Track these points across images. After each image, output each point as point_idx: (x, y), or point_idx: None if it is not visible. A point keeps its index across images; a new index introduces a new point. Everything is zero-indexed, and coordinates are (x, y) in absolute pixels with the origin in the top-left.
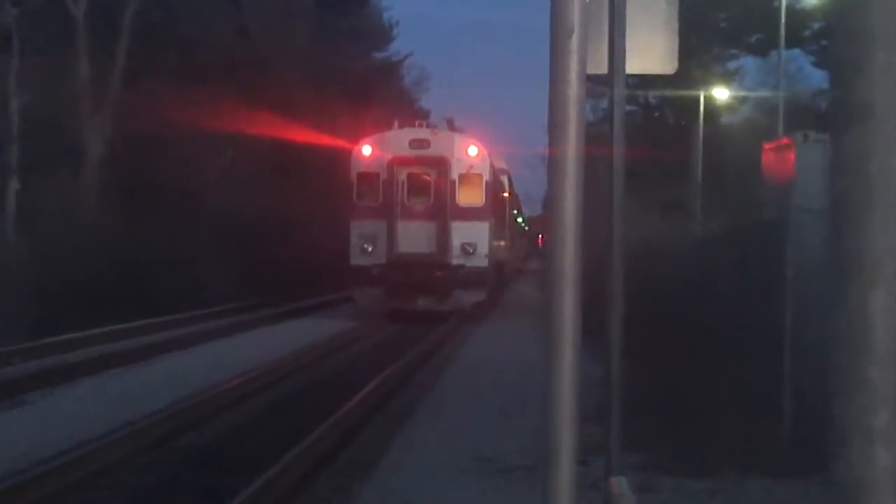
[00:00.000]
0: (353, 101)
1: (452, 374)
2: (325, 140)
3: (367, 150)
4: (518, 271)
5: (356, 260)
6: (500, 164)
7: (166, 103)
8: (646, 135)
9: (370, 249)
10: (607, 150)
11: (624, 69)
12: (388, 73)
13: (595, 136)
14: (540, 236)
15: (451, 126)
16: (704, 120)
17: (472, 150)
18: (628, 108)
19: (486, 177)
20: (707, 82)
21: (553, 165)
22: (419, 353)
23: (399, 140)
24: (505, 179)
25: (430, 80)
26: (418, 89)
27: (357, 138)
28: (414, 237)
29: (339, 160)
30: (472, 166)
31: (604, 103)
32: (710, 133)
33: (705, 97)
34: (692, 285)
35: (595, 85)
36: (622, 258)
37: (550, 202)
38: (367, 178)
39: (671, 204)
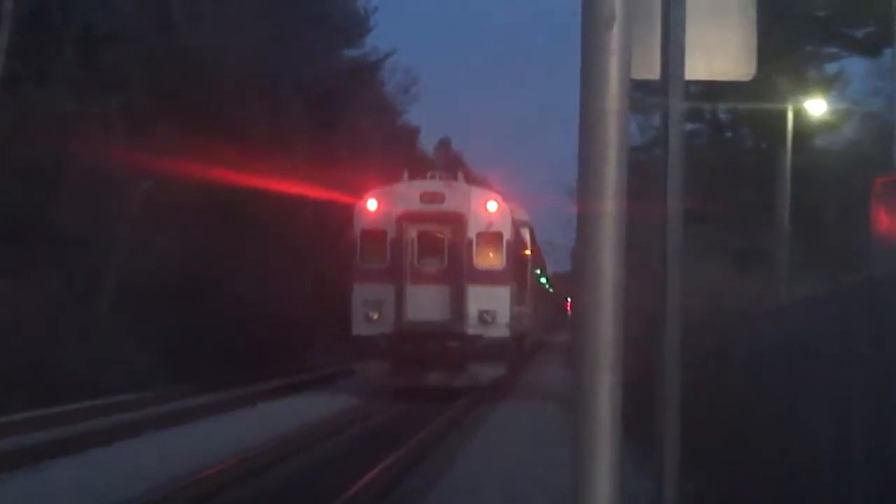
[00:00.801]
0: (317, 116)
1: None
2: (278, 179)
3: (372, 204)
4: (541, 344)
5: (359, 329)
6: (521, 216)
7: (62, 118)
8: (713, 163)
9: (375, 317)
10: (658, 184)
11: (683, 73)
12: (364, 76)
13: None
14: (568, 300)
15: (468, 178)
16: (794, 143)
17: (492, 206)
18: (690, 126)
19: (508, 235)
20: (797, 92)
21: (585, 207)
22: (408, 457)
23: (409, 193)
24: (526, 233)
25: (417, 85)
26: (404, 98)
27: (323, 168)
28: (425, 303)
29: (300, 205)
30: (491, 223)
31: (656, 120)
32: (801, 161)
33: (795, 112)
34: (777, 368)
35: (643, 95)
36: (679, 331)
37: (581, 258)
38: (373, 236)
39: (748, 256)
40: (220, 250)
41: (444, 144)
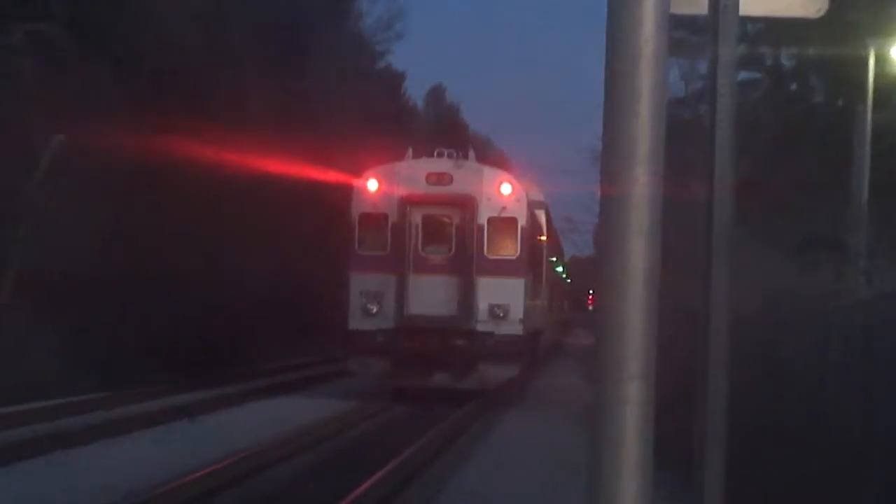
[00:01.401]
0: (274, 56)
1: None
2: (227, 139)
3: (372, 184)
4: (556, 346)
5: (356, 323)
6: (535, 196)
7: None
8: (773, 123)
9: (374, 310)
10: (703, 149)
11: (737, 9)
12: (335, 5)
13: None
14: (590, 293)
15: (481, 156)
16: (875, 98)
17: (506, 188)
18: (744, 75)
19: (523, 221)
20: (881, 33)
21: (611, 177)
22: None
23: (413, 173)
24: (542, 216)
25: (402, 20)
26: (385, 36)
27: (283, 125)
28: (430, 296)
29: (255, 173)
30: (504, 208)
31: (702, 67)
32: (883, 121)
33: (877, 59)
34: (853, 379)
35: (687, 35)
36: (727, 333)
37: (606, 243)
38: (373, 220)
39: (816, 242)
40: (153, 228)
41: (436, 94)
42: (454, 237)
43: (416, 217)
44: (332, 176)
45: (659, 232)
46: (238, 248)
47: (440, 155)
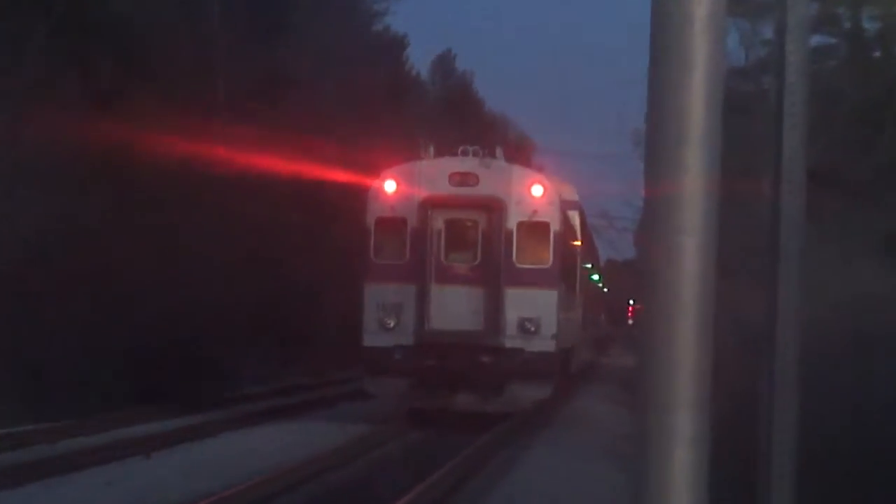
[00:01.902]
0: (246, 20)
1: None
2: (190, 118)
3: (390, 186)
4: (590, 365)
5: (372, 339)
6: (569, 195)
7: None
8: (853, 97)
9: (392, 325)
10: (768, 128)
11: None
12: None
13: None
14: (631, 304)
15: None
16: None
17: (537, 189)
18: (817, 40)
19: (556, 226)
20: None
21: (657, 162)
22: None
23: (435, 173)
24: (575, 217)
25: None
26: None
27: (259, 102)
28: (453, 308)
29: (227, 162)
30: (536, 211)
31: (767, 30)
32: None
33: None
34: None
35: None
36: (797, 353)
37: (650, 244)
38: (391, 225)
39: None
40: (98, 226)
41: (444, 62)
42: (480, 244)
43: (439, 222)
44: (322, 165)
45: (715, 230)
46: (211, 246)
47: (465, 153)
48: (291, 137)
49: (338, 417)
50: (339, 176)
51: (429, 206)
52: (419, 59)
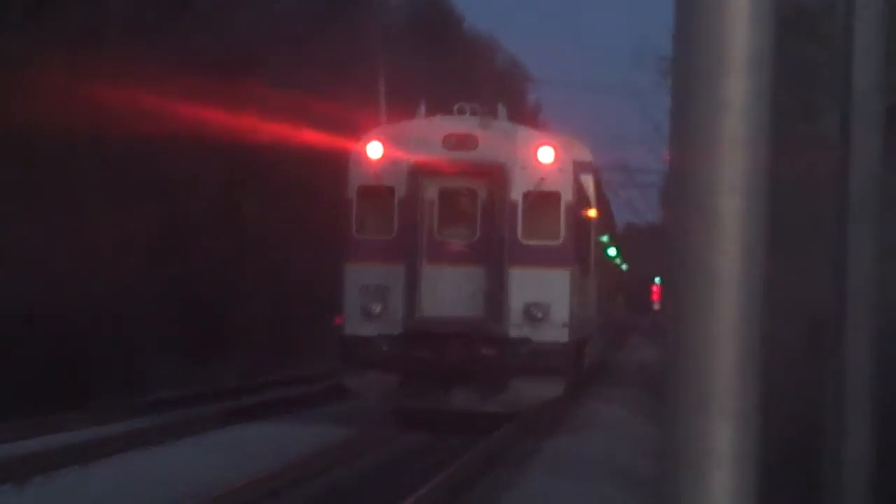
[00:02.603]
0: None
1: None
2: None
3: (375, 149)
4: (605, 361)
5: (354, 328)
6: (581, 155)
7: None
8: None
9: (378, 310)
10: (834, 84)
11: None
12: None
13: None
14: (656, 284)
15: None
16: None
17: (546, 154)
18: None
19: (567, 196)
20: None
21: (687, 97)
22: None
23: (427, 134)
24: (589, 183)
25: None
26: None
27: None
28: (449, 292)
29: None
30: (544, 179)
31: None
32: None
33: None
34: None
35: None
36: (872, 351)
37: (680, 205)
38: (375, 195)
39: None
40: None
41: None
42: (480, 217)
43: (432, 191)
44: (246, 110)
45: (765, 190)
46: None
47: (461, 112)
48: (203, 74)
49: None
50: (274, 127)
51: (420, 173)
52: None
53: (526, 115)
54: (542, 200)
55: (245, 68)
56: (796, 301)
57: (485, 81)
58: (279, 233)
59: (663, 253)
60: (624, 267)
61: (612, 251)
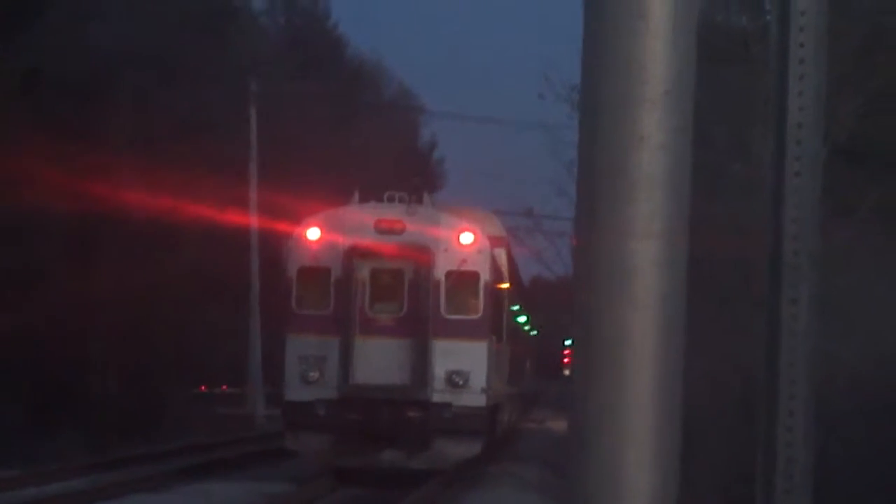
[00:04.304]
0: None
1: None
2: None
3: (313, 233)
4: (513, 430)
5: (294, 393)
6: (495, 231)
7: None
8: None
9: (315, 377)
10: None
11: None
12: None
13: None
14: (566, 348)
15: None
16: None
17: (466, 238)
18: None
19: (486, 275)
20: None
21: (595, 135)
22: None
23: (360, 220)
24: (502, 255)
25: None
26: None
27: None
28: (379, 362)
29: None
30: (465, 260)
31: None
32: None
33: None
34: None
35: None
36: (811, 413)
37: (590, 254)
38: (314, 274)
39: None
40: None
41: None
42: (407, 294)
43: (364, 271)
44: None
45: (684, 232)
46: None
47: (391, 199)
48: (55, 102)
49: None
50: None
51: (354, 255)
52: None
53: (419, 155)
54: (463, 279)
55: (102, 91)
56: (725, 365)
57: (371, 113)
58: (138, 286)
59: (573, 307)
60: (533, 332)
61: (523, 319)
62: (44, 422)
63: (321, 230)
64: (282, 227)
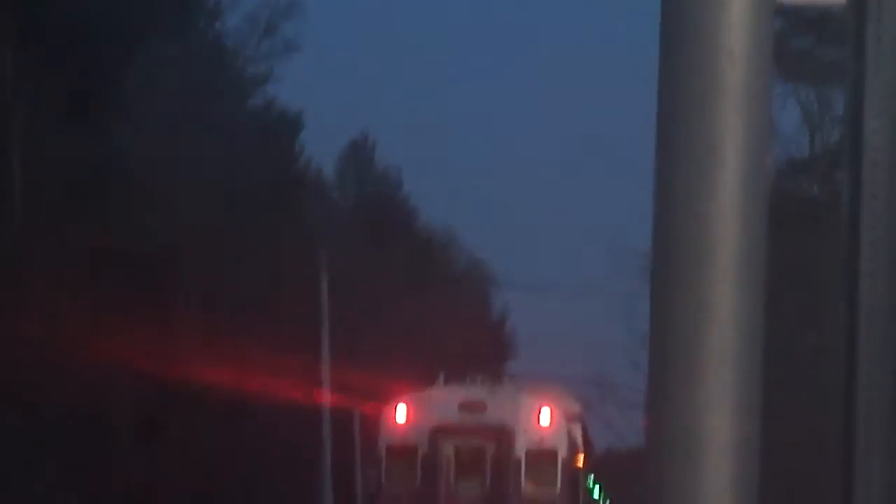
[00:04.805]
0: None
1: None
2: None
3: (402, 414)
4: None
5: None
6: (571, 408)
7: None
8: None
9: None
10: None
11: None
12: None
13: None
14: None
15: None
16: None
17: (545, 417)
18: None
19: (563, 453)
20: None
21: (661, 331)
22: None
23: (445, 401)
24: (577, 430)
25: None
26: (260, 47)
27: None
28: None
29: None
30: (543, 438)
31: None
32: None
33: None
34: None
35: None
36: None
37: (659, 440)
38: (402, 452)
39: None
40: None
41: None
42: (489, 471)
43: (448, 449)
44: None
45: (759, 413)
46: None
47: (473, 380)
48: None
49: None
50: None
51: (439, 433)
52: (319, 148)
53: (490, 328)
54: (542, 457)
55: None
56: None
57: (442, 284)
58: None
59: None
60: (607, 502)
61: (596, 488)
62: None
63: (409, 409)
64: (355, 403)
